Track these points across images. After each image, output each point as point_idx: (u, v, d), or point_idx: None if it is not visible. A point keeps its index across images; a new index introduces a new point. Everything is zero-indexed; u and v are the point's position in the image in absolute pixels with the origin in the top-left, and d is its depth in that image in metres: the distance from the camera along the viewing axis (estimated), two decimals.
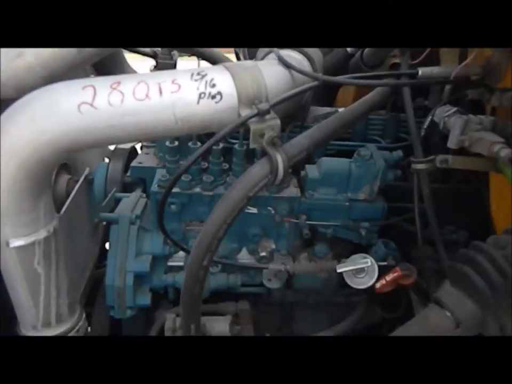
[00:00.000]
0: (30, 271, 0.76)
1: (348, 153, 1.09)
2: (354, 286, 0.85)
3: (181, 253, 1.11)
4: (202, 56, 1.35)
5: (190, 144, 1.02)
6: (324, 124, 0.76)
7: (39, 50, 0.71)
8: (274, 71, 0.77)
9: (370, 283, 0.83)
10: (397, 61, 1.14)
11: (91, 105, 0.63)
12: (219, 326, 1.03)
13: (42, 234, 0.74)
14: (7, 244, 0.71)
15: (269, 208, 1.06)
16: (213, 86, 0.68)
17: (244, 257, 1.13)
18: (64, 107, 0.63)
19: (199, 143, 1.03)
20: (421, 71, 0.86)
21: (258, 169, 0.69)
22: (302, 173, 1.07)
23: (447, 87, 0.93)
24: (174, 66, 1.41)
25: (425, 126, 0.91)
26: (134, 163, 1.22)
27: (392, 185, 1.19)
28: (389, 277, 0.80)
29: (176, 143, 1.01)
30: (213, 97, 0.68)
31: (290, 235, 1.10)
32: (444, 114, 0.79)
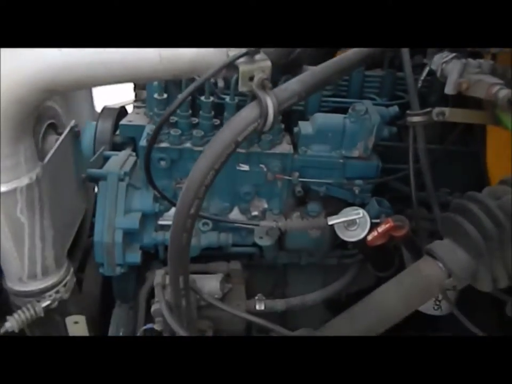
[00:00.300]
0: (13, 220, 0.74)
1: (343, 111, 1.06)
2: (346, 239, 0.84)
3: (172, 212, 1.09)
4: None
5: (179, 96, 0.98)
6: (318, 68, 0.73)
7: None
8: None
9: (362, 235, 0.81)
10: None
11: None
12: (209, 283, 1.02)
13: (24, 181, 0.72)
14: None
15: (261, 165, 1.04)
16: None
17: (235, 216, 1.11)
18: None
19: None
20: None
21: (247, 113, 0.66)
22: (295, 129, 1.04)
23: None
24: None
25: (422, 78, 0.88)
26: (123, 121, 1.19)
27: (387, 146, 1.17)
28: (380, 228, 0.79)
29: (165, 95, 0.97)
30: None
31: (282, 194, 1.08)
32: (442, 60, 0.75)
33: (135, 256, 1.04)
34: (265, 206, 1.10)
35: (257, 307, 1.10)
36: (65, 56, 0.60)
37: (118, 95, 1.65)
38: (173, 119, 1.01)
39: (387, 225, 0.78)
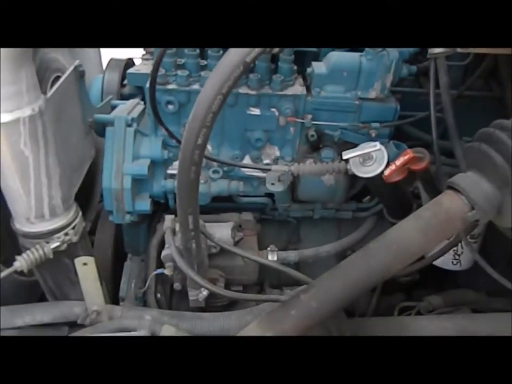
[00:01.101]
0: (17, 153, 0.72)
1: (358, 51, 1.01)
2: (362, 175, 0.79)
3: None
4: None
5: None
6: None
7: None
8: None
9: (379, 170, 0.77)
10: None
11: None
12: (220, 230, 0.99)
13: (26, 112, 0.69)
14: None
15: (272, 109, 0.99)
16: None
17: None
18: None
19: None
20: None
21: None
22: (308, 70, 0.99)
23: None
24: None
25: None
26: (131, 70, 1.16)
27: (405, 92, 1.12)
28: (399, 161, 0.74)
29: None
30: None
31: (295, 140, 1.04)
32: None
33: (144, 204, 1.02)
34: (277, 153, 1.06)
35: (270, 257, 1.08)
36: None
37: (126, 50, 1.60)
38: (181, 60, 0.98)
39: (406, 157, 0.74)
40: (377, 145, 0.76)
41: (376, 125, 0.97)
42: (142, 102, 1.13)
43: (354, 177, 1.10)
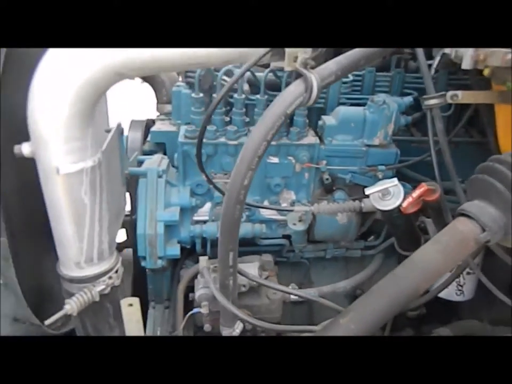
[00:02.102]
0: (77, 201, 0.79)
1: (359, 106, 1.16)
2: (382, 208, 0.90)
3: (206, 207, 1.15)
4: None
5: (235, 95, 1.07)
6: (349, 53, 0.82)
7: None
8: None
9: (397, 203, 0.88)
10: None
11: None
12: (249, 270, 1.06)
13: (89, 163, 0.78)
14: (57, 171, 0.75)
15: (290, 157, 1.11)
16: None
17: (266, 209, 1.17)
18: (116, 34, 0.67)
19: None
20: None
21: (294, 88, 0.74)
22: (320, 122, 1.13)
23: None
24: None
25: (435, 65, 0.97)
26: (154, 128, 1.27)
27: (401, 140, 1.27)
28: (415, 194, 0.86)
29: (201, 94, 1.06)
30: None
31: (309, 184, 1.15)
32: None
33: (175, 249, 1.09)
34: (294, 197, 1.17)
35: (292, 295, 1.14)
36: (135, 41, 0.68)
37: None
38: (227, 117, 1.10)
39: (422, 189, 0.85)
40: (395, 181, 0.88)
41: (382, 167, 1.10)
42: (166, 156, 1.23)
43: (364, 216, 1.21)
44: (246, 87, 1.17)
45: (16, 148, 0.77)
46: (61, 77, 0.68)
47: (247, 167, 0.76)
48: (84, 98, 0.71)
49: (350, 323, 0.79)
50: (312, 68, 0.75)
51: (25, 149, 0.77)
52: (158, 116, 1.47)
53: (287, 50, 0.74)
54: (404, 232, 1.05)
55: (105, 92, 0.76)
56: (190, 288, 1.13)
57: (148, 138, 1.30)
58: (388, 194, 0.88)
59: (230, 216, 0.80)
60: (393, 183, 0.86)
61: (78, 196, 0.78)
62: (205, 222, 1.14)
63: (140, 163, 1.20)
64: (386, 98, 1.09)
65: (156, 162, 1.14)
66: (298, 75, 0.75)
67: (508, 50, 0.75)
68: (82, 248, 0.84)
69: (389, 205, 0.88)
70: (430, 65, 0.98)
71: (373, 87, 1.24)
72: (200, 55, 0.73)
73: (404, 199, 0.87)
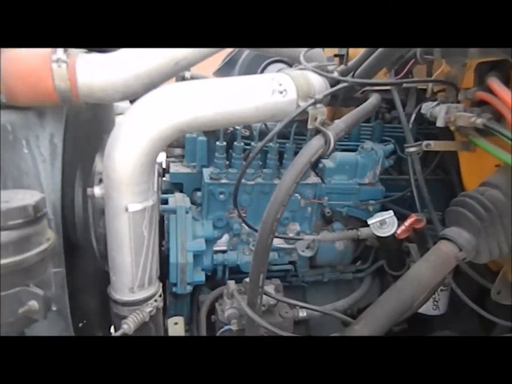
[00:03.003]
0: (138, 234, 0.94)
1: (348, 151, 1.40)
2: (381, 235, 1.11)
3: (224, 238, 1.32)
4: None
5: (235, 143, 1.27)
6: (352, 113, 1.05)
7: (147, 63, 0.95)
8: (315, 77, 1.06)
9: (393, 230, 1.09)
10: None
11: (203, 97, 0.88)
12: (269, 288, 1.23)
13: (150, 202, 0.94)
14: (126, 209, 0.90)
15: (296, 194, 1.32)
16: (280, 85, 0.95)
17: (274, 240, 1.35)
18: (185, 99, 0.86)
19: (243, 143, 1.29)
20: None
21: (316, 142, 0.95)
22: (320, 165, 1.35)
23: (429, 87, 1.27)
24: None
25: (412, 120, 1.23)
26: (172, 170, 1.45)
27: (383, 179, 1.51)
28: (407, 222, 1.08)
29: (224, 143, 1.25)
30: (281, 92, 0.95)
31: (312, 217, 1.35)
32: (430, 106, 1.12)
33: (200, 276, 1.24)
34: (298, 228, 1.37)
35: (301, 314, 1.31)
36: (200, 107, 0.87)
37: None
38: (227, 161, 1.29)
39: (412, 219, 1.07)
40: (391, 213, 1.10)
41: (373, 202, 1.33)
42: (185, 195, 1.40)
43: (357, 244, 1.43)
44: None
45: (89, 191, 0.93)
46: (139, 133, 0.86)
47: (280, 203, 0.95)
48: (154, 150, 0.89)
49: (363, 328, 0.98)
50: (329, 125, 0.97)
51: (97, 191, 0.93)
52: (167, 157, 1.63)
53: (310, 112, 0.95)
54: (394, 255, 1.27)
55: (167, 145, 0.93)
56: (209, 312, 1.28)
57: (165, 178, 1.47)
58: (385, 224, 1.10)
59: (264, 244, 0.98)
60: (389, 215, 1.08)
61: (139, 229, 0.94)
62: (223, 251, 1.31)
63: (164, 201, 1.36)
64: (373, 146, 1.33)
65: (180, 200, 1.31)
66: (317, 131, 0.97)
67: (472, 114, 1.01)
68: (137, 275, 0.98)
69: (386, 232, 1.10)
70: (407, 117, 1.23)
71: (358, 135, 1.50)
72: (246, 116, 0.93)
73: (398, 227, 1.09)
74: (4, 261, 0.71)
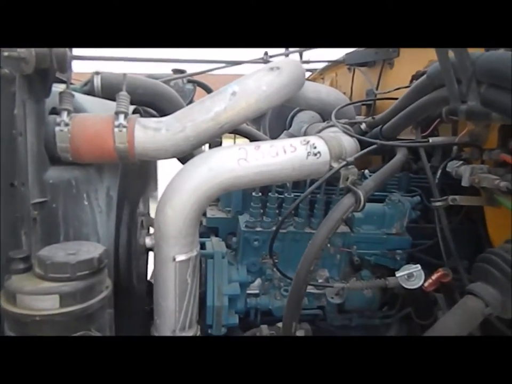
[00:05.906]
0: (183, 281, 1.03)
1: (376, 201, 1.47)
2: (409, 287, 1.16)
3: (256, 283, 1.40)
4: (240, 134, 1.70)
5: (270, 194, 1.36)
6: (381, 171, 1.13)
7: (196, 127, 1.06)
8: (346, 138, 1.15)
9: (420, 283, 1.14)
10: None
11: (245, 160, 0.98)
12: (299, 333, 1.28)
13: (194, 252, 1.03)
14: (174, 259, 1.00)
15: None
16: (315, 148, 1.05)
17: None
18: (230, 161, 0.97)
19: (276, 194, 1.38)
20: (431, 139, 1.28)
21: (348, 200, 1.03)
22: (349, 215, 1.42)
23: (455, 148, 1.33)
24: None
25: (438, 176, 1.30)
26: (209, 215, 1.54)
27: (411, 227, 1.57)
28: (434, 276, 1.13)
29: (260, 194, 1.35)
30: (315, 154, 1.04)
31: (340, 264, 1.42)
32: (455, 165, 1.19)
33: (234, 319, 1.31)
34: (327, 274, 1.43)
35: None
36: (242, 170, 0.97)
37: None
38: (261, 210, 1.38)
39: (439, 273, 1.12)
40: (419, 266, 1.15)
41: (400, 251, 1.38)
42: (220, 239, 1.49)
43: (384, 292, 1.47)
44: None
45: (141, 241, 1.03)
46: (189, 192, 0.96)
47: (313, 257, 1.02)
48: (201, 206, 0.99)
49: None
50: (359, 185, 1.05)
51: (148, 241, 1.03)
52: None
53: (342, 173, 1.04)
54: (421, 304, 1.31)
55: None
56: None
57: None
58: (412, 277, 1.15)
59: (298, 293, 1.05)
60: (417, 268, 1.14)
61: (184, 277, 1.03)
62: (255, 295, 1.38)
63: (201, 244, 1.45)
64: (400, 198, 1.40)
65: (217, 245, 1.40)
66: (348, 190, 1.05)
67: (496, 177, 1.07)
68: (180, 319, 1.07)
69: (413, 284, 1.15)
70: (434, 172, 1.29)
71: (385, 185, 1.56)
72: (283, 176, 1.03)
73: (425, 280, 1.15)
74: (70, 308, 0.80)
